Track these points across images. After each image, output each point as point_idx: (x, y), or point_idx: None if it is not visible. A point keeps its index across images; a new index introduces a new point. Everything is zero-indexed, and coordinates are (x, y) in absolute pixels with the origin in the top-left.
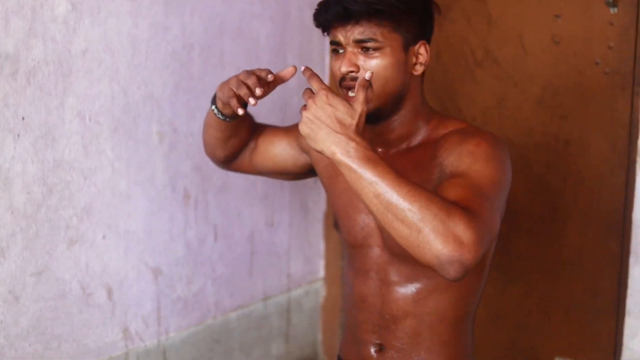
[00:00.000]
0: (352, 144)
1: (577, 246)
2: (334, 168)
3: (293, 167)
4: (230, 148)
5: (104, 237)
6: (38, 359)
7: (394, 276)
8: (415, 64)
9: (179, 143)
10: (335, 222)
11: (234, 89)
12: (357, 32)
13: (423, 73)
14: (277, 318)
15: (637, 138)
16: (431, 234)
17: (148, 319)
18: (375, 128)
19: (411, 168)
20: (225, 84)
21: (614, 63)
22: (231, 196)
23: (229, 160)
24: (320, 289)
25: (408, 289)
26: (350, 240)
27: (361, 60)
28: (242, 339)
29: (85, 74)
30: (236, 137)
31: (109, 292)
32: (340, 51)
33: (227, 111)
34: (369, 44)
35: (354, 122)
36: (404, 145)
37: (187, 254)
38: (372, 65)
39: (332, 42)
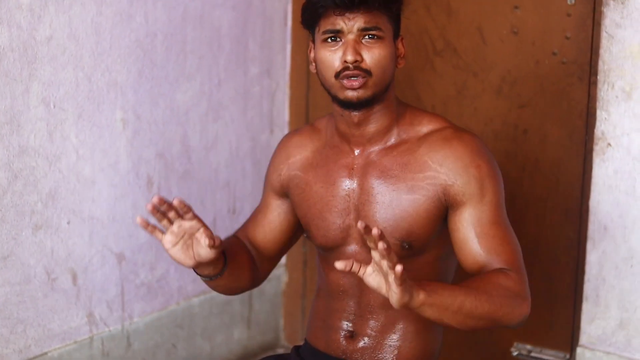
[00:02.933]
0: (422, 286)
1: (535, 233)
2: (305, 181)
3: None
4: (249, 275)
5: (68, 223)
6: (3, 343)
7: None
8: (398, 56)
9: (142, 130)
10: (306, 232)
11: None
12: (363, 20)
13: None
14: (239, 304)
15: (593, 127)
16: (504, 317)
17: (112, 304)
18: (354, 118)
19: (398, 169)
20: (179, 261)
21: (571, 53)
22: (194, 183)
23: (264, 275)
24: (282, 275)
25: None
26: (327, 243)
27: (363, 49)
28: (205, 324)
29: (50, 60)
30: (243, 267)
31: (74, 277)
32: (338, 40)
33: (210, 271)
34: (374, 32)
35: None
36: (381, 144)
37: (151, 240)
38: (376, 54)
39: (329, 31)
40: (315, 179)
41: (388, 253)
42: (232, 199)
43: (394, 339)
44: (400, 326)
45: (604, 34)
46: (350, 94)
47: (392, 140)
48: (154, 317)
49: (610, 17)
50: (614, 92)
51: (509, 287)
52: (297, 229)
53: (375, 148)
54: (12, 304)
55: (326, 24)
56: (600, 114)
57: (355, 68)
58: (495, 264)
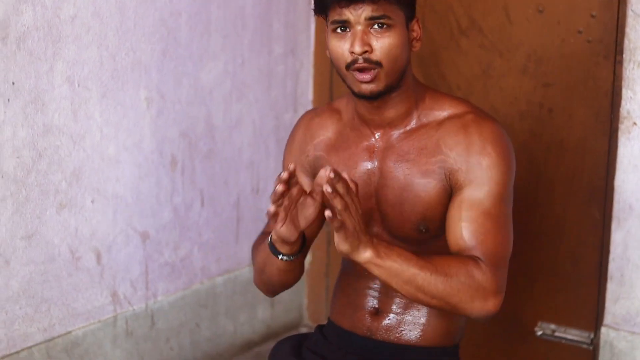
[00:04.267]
0: (376, 241)
1: (560, 213)
2: (328, 164)
3: None
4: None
5: (92, 202)
6: (28, 321)
7: None
8: (413, 39)
9: (166, 109)
10: None
11: (279, 216)
12: (370, 9)
13: None
14: None
15: (619, 106)
16: (460, 303)
17: (136, 283)
18: (373, 104)
19: (415, 153)
20: (285, 237)
21: (596, 32)
22: (217, 163)
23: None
24: None
25: None
26: None
27: (372, 39)
28: (229, 303)
29: (74, 39)
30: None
31: (98, 256)
32: (347, 30)
33: (289, 249)
34: (383, 21)
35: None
36: (402, 127)
37: (174, 219)
38: (385, 44)
39: (336, 22)
40: (338, 162)
41: (333, 197)
42: (255, 179)
43: (418, 316)
44: None
45: (629, 12)
46: (364, 87)
47: (413, 123)
48: (177, 297)
49: None
50: None
51: (474, 277)
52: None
53: (396, 132)
54: (36, 283)
55: (334, 14)
56: (626, 93)
57: (365, 60)
58: (475, 251)
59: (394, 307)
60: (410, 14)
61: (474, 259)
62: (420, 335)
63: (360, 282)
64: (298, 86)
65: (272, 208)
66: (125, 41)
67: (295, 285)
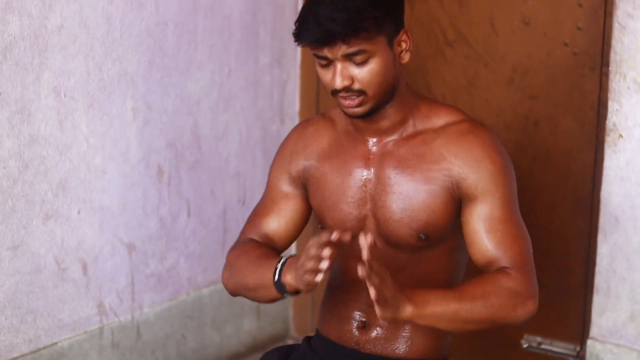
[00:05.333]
0: (410, 294)
1: (545, 224)
2: (321, 172)
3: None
4: None
5: (79, 212)
6: (14, 332)
7: (387, 262)
8: (401, 52)
9: (153, 120)
10: (320, 223)
11: (307, 267)
12: (344, 48)
13: None
14: None
15: (605, 118)
16: (505, 318)
17: (122, 294)
18: (367, 120)
19: (415, 159)
20: (295, 269)
21: (582, 44)
22: (204, 173)
23: None
24: None
25: (399, 276)
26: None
27: (354, 71)
28: (215, 314)
29: (61, 49)
30: None
31: (84, 267)
32: (328, 62)
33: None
34: (359, 56)
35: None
36: (397, 135)
37: (161, 230)
38: (366, 75)
39: (317, 56)
40: (331, 170)
41: (368, 277)
42: (242, 189)
43: (406, 329)
44: None
45: (615, 25)
46: (350, 111)
47: (409, 130)
48: (164, 308)
49: (622, 8)
50: (626, 83)
51: (509, 287)
52: (307, 220)
53: (391, 138)
54: (22, 293)
55: (313, 50)
56: (612, 105)
57: (347, 91)
58: (502, 260)
59: (380, 321)
60: (393, 31)
61: (502, 270)
62: (408, 348)
63: (348, 295)
64: (285, 97)
65: (322, 267)
66: (112, 51)
67: None
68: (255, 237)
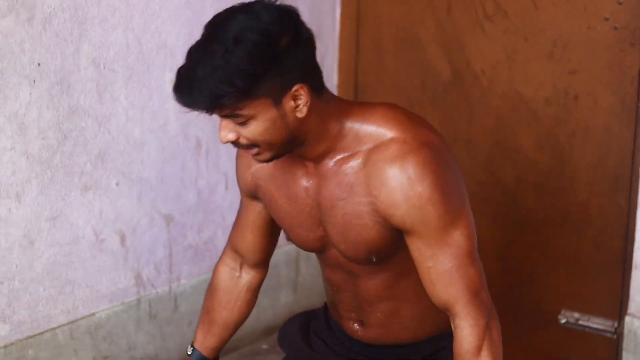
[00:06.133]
0: None
1: (584, 200)
2: (270, 194)
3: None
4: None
5: (117, 184)
6: (52, 303)
7: (358, 271)
8: (296, 108)
9: None
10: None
11: None
12: (217, 112)
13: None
14: (286, 267)
15: None
16: (499, 346)
17: (160, 266)
18: (292, 151)
19: (346, 191)
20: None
21: (623, 19)
22: None
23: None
24: None
25: (375, 280)
26: (307, 250)
27: (237, 128)
28: None
29: (100, 21)
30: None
31: (122, 238)
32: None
33: None
34: (236, 119)
35: None
36: (329, 160)
37: (199, 202)
38: (250, 134)
39: None
40: (279, 193)
41: None
42: None
43: (404, 322)
44: (405, 311)
45: None
46: (254, 158)
47: (339, 156)
48: (201, 280)
49: None
50: None
51: (474, 343)
52: (278, 227)
53: (325, 166)
54: (60, 264)
55: None
56: None
57: (238, 145)
58: (450, 301)
59: (374, 320)
60: (279, 90)
61: (456, 327)
62: (414, 334)
63: (336, 296)
64: (323, 70)
65: None
66: (151, 23)
67: (318, 270)
68: (231, 254)
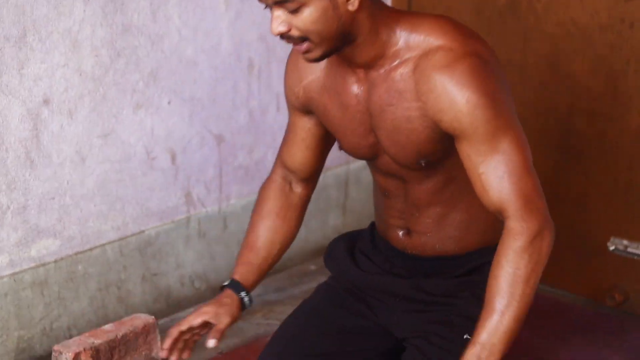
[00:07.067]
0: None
1: (637, 127)
2: (323, 105)
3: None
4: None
5: (169, 103)
6: (102, 219)
7: (408, 177)
8: (348, 0)
9: (245, 12)
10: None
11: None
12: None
13: None
14: (335, 190)
15: None
16: (542, 268)
17: (210, 185)
18: (342, 55)
19: (396, 97)
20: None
21: None
22: None
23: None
24: None
25: (425, 185)
26: (359, 157)
27: (290, 18)
28: None
29: None
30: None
31: (173, 157)
32: (267, 6)
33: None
34: (289, 4)
35: None
36: (380, 68)
37: (250, 123)
38: (301, 23)
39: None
40: (332, 103)
41: None
42: None
43: (450, 231)
44: (453, 218)
45: None
46: (302, 56)
47: (390, 63)
48: (250, 200)
49: None
50: None
51: (522, 248)
52: (329, 142)
53: (375, 72)
54: (111, 181)
55: None
56: None
57: (288, 38)
58: (503, 205)
59: (422, 227)
60: None
61: (507, 232)
62: (459, 245)
63: (387, 202)
64: None
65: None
66: None
67: (367, 193)
68: (280, 170)
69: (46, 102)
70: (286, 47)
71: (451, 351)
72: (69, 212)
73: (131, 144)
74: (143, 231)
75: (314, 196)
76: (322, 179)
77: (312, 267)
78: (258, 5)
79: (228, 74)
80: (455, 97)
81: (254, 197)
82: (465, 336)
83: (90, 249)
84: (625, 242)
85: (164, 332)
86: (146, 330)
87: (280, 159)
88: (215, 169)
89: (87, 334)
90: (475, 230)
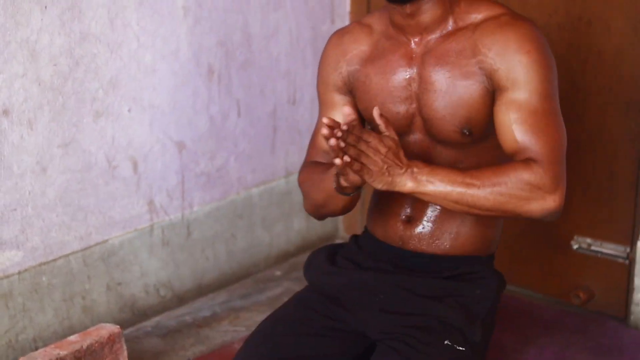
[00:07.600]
0: (416, 171)
1: (596, 125)
2: (365, 74)
3: None
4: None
5: (129, 110)
6: (65, 230)
7: (435, 159)
8: None
9: (203, 18)
10: (369, 124)
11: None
12: None
13: None
14: (299, 194)
15: None
16: (516, 209)
17: (173, 193)
18: (406, 9)
19: (454, 55)
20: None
21: None
22: (254, 72)
23: None
24: None
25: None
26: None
27: None
28: (264, 214)
29: None
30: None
31: (135, 165)
32: None
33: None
34: None
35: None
36: (438, 32)
37: (211, 129)
38: None
39: None
40: (375, 71)
41: (344, 149)
42: (292, 89)
43: (452, 225)
44: (458, 213)
45: None
46: None
47: (449, 27)
48: (213, 207)
49: None
50: None
51: (526, 179)
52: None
53: (433, 36)
54: (73, 191)
55: None
56: None
57: None
58: (529, 151)
59: (427, 215)
60: None
61: (525, 162)
62: (454, 245)
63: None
64: None
65: (337, 161)
66: None
67: None
68: (316, 157)
69: (5, 112)
70: (245, 52)
71: (429, 355)
72: (31, 223)
73: (92, 153)
74: (106, 240)
75: (276, 201)
76: (285, 184)
77: (278, 273)
78: (217, 10)
79: (188, 80)
80: (520, 48)
81: (216, 203)
82: (445, 342)
83: (54, 260)
84: (588, 240)
85: (129, 342)
86: (112, 340)
87: (314, 148)
88: (177, 176)
89: (52, 346)
90: (473, 234)
